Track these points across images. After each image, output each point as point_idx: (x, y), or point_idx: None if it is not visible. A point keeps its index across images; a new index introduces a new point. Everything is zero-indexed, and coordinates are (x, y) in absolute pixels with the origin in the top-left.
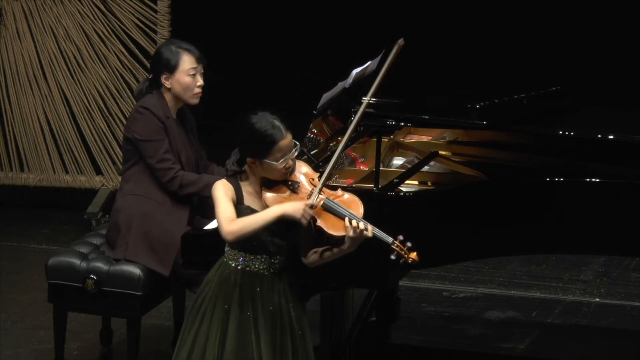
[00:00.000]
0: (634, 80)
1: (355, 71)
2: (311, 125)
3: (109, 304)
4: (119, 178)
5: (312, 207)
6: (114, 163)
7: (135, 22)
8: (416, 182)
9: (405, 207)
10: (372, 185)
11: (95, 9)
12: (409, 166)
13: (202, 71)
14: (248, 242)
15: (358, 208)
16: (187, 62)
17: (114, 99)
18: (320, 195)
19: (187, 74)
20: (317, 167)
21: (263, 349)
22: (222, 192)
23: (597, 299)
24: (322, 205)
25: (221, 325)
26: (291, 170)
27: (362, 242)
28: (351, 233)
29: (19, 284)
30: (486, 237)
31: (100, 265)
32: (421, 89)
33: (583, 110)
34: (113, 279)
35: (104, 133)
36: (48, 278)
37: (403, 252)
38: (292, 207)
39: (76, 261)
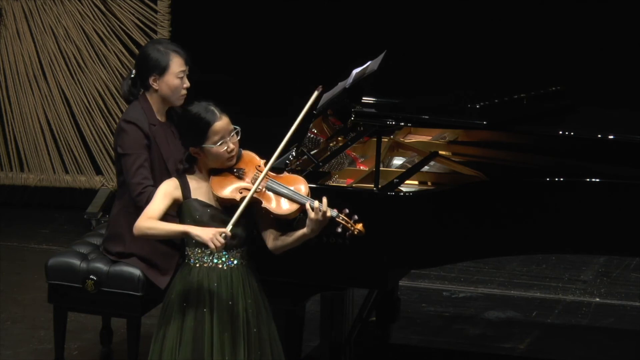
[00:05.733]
0: (634, 80)
1: (355, 71)
2: (311, 125)
3: (109, 304)
4: None
5: (224, 235)
6: (114, 163)
7: (135, 22)
8: (416, 182)
9: (405, 207)
10: (372, 185)
11: (95, 9)
12: (409, 166)
13: (188, 73)
14: None
15: (302, 187)
16: (176, 65)
17: (114, 99)
18: (263, 181)
19: (177, 77)
20: (317, 167)
21: (217, 348)
22: (162, 190)
23: (597, 299)
24: (265, 188)
25: (180, 323)
26: (237, 157)
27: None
28: (313, 215)
29: (19, 284)
30: (486, 237)
31: (100, 265)
32: (421, 89)
33: (583, 110)
34: (113, 280)
35: (104, 133)
36: (48, 279)
37: (349, 225)
38: (201, 230)
39: (76, 262)
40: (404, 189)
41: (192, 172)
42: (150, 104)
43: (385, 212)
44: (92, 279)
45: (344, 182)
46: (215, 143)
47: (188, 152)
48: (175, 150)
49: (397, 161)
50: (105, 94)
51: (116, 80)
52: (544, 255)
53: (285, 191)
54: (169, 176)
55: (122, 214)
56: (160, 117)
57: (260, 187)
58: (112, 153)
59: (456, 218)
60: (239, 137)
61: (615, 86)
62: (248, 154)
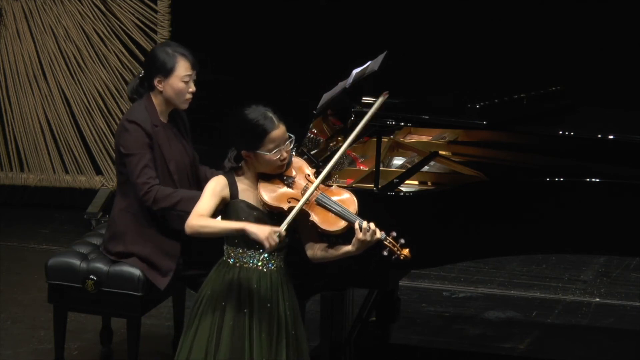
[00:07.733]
0: (634, 81)
1: (355, 71)
2: (311, 125)
3: (109, 304)
4: None
5: (279, 235)
6: (114, 163)
7: (135, 22)
8: (416, 182)
9: (405, 207)
10: (372, 185)
11: (95, 9)
12: (409, 166)
13: (195, 78)
14: (244, 237)
15: (352, 205)
16: (182, 68)
17: (114, 99)
18: (314, 192)
19: (181, 80)
20: (317, 167)
21: (256, 348)
22: (211, 187)
23: (597, 299)
24: (315, 201)
25: (217, 322)
26: (287, 164)
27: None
28: (361, 235)
29: (19, 284)
30: (486, 237)
31: (100, 265)
32: (421, 89)
33: (583, 110)
34: (113, 280)
35: (104, 133)
36: (48, 279)
37: (395, 249)
38: (258, 228)
39: (76, 262)
40: (404, 189)
41: (240, 173)
42: (154, 105)
43: (385, 212)
44: (92, 279)
45: (344, 182)
46: (270, 151)
47: (237, 152)
48: (177, 151)
49: (397, 161)
50: (105, 94)
51: (116, 80)
52: (544, 255)
53: (336, 208)
54: (170, 177)
55: (123, 214)
56: (163, 119)
57: (309, 199)
58: (112, 153)
59: (456, 218)
60: (292, 146)
61: (615, 86)
62: (297, 161)
